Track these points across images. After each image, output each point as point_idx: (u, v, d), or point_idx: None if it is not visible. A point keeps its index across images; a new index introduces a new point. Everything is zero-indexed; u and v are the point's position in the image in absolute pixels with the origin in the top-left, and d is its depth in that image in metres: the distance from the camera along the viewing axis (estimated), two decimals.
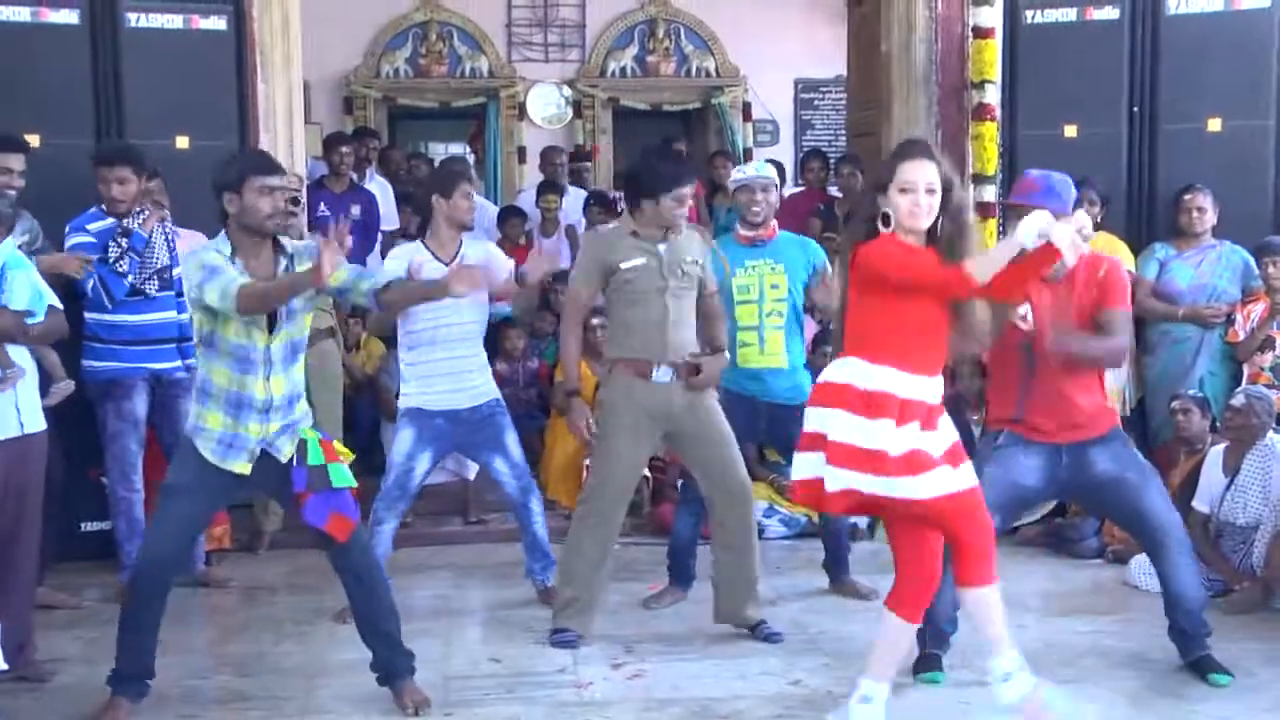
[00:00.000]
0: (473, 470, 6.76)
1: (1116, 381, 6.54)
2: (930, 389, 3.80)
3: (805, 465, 3.83)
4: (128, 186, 5.52)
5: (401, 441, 5.26)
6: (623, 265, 4.84)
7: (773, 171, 5.62)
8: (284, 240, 4.24)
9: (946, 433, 3.85)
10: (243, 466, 4.14)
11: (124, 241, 5.42)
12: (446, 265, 5.25)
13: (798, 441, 3.88)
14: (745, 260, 5.43)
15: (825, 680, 4.52)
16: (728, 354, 5.13)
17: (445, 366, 5.26)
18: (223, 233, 4.16)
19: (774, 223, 5.49)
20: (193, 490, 4.15)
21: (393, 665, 4.31)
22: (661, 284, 4.83)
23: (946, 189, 3.79)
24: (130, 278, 5.46)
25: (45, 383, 4.94)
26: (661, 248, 4.86)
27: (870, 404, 3.71)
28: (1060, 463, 4.43)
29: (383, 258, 7.83)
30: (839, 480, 3.72)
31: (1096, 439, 4.41)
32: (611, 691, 4.45)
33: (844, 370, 3.79)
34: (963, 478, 3.83)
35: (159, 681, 4.59)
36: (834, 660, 4.74)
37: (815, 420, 3.80)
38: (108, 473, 5.61)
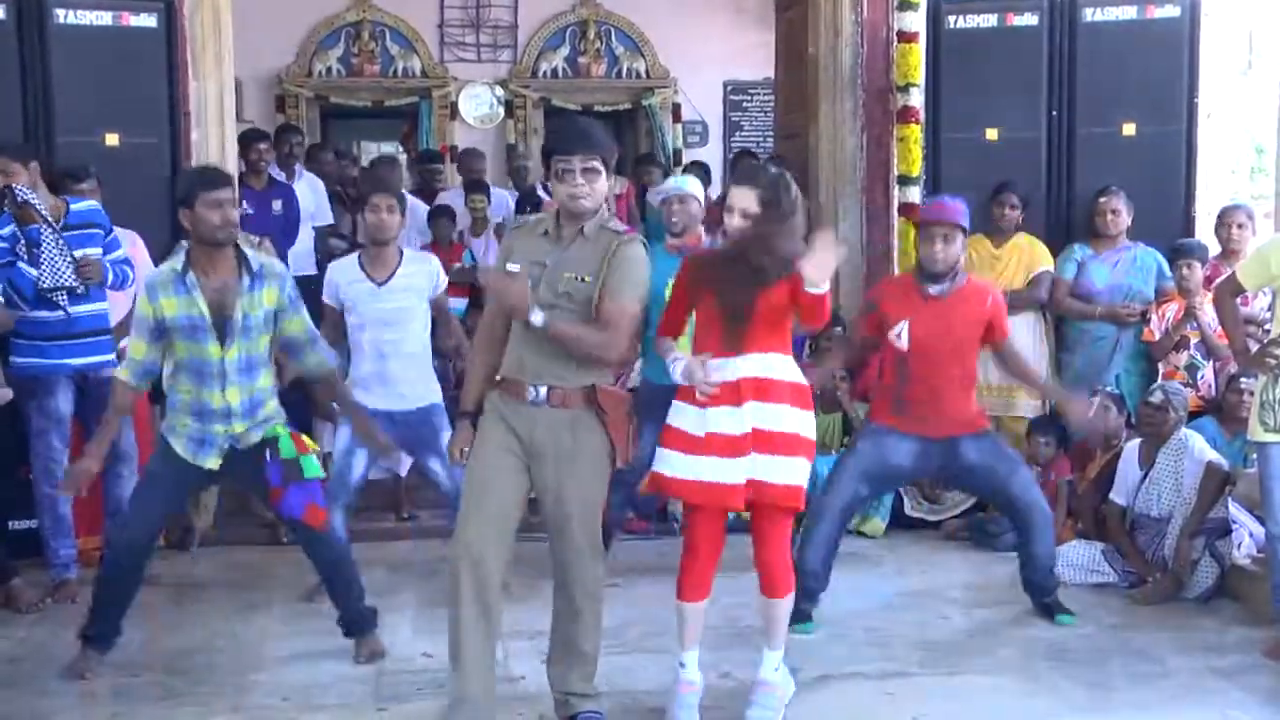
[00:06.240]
0: (405, 467, 6.80)
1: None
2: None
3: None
4: (15, 178, 5.42)
5: (340, 438, 5.45)
6: (507, 265, 4.03)
7: (694, 185, 5.70)
8: (250, 254, 4.46)
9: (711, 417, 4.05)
10: (214, 462, 4.46)
11: (22, 244, 5.37)
12: (378, 285, 5.40)
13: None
14: (673, 267, 5.13)
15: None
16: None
17: (380, 377, 5.44)
18: (182, 244, 4.47)
19: (700, 230, 5.60)
20: (168, 479, 4.52)
21: (356, 624, 4.79)
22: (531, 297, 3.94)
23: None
24: (34, 271, 5.36)
25: None
26: (550, 257, 3.96)
27: None
28: (931, 450, 5.07)
29: (316, 252, 7.87)
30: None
31: (967, 435, 5.08)
32: (544, 684, 4.46)
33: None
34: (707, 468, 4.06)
35: (90, 680, 4.60)
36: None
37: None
38: (32, 470, 5.57)
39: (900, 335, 5.01)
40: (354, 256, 5.58)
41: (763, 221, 4.02)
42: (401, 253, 5.52)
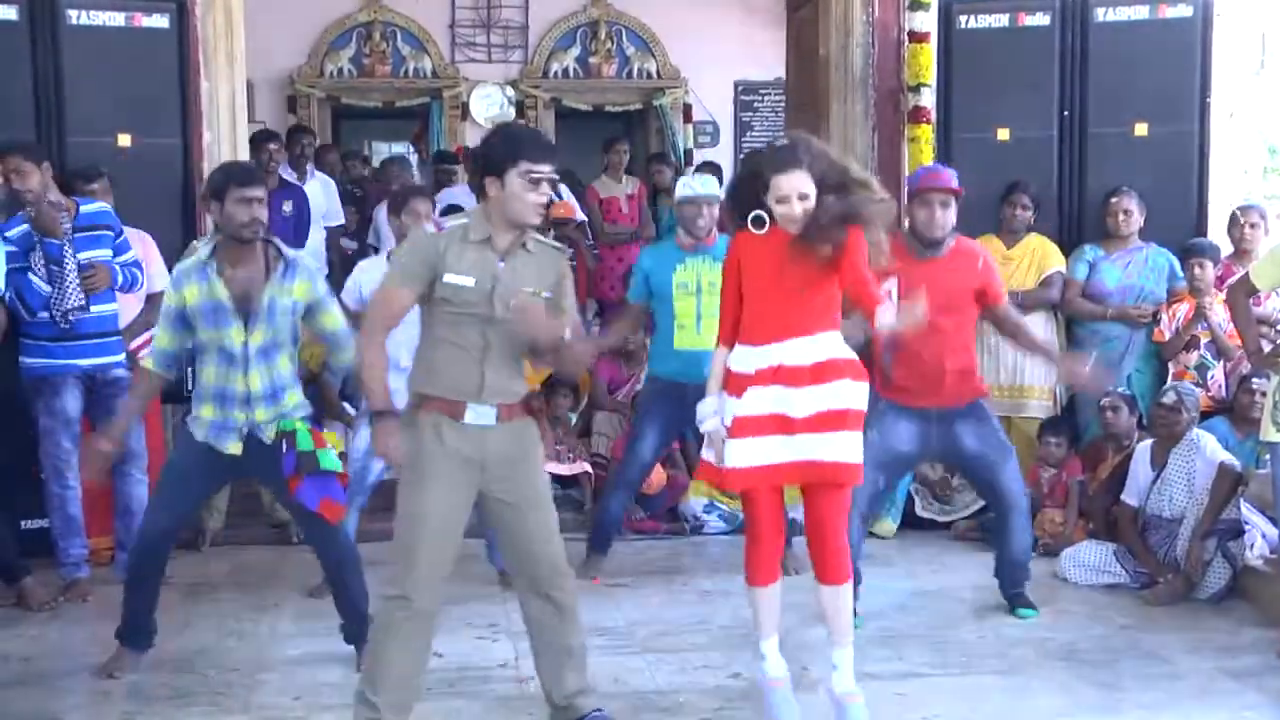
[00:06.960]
0: None
1: (1048, 380, 6.71)
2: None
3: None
4: (28, 178, 5.45)
5: (360, 440, 5.52)
6: (446, 276, 3.81)
7: (716, 186, 5.85)
8: (282, 246, 4.56)
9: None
10: (235, 447, 4.48)
11: (39, 256, 5.39)
12: None
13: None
14: (686, 259, 5.76)
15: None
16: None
17: (395, 370, 5.31)
18: (211, 235, 4.54)
19: (715, 230, 5.77)
20: (189, 469, 4.56)
21: (358, 630, 4.61)
22: (486, 312, 3.82)
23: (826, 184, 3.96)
24: (47, 288, 5.40)
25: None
26: (501, 266, 3.83)
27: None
28: (931, 431, 5.11)
29: (328, 251, 7.90)
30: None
31: (960, 410, 5.09)
32: None
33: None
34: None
35: (101, 680, 4.61)
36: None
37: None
38: (42, 470, 5.60)
39: (890, 293, 4.83)
40: (383, 256, 5.60)
41: (824, 194, 3.95)
42: None
